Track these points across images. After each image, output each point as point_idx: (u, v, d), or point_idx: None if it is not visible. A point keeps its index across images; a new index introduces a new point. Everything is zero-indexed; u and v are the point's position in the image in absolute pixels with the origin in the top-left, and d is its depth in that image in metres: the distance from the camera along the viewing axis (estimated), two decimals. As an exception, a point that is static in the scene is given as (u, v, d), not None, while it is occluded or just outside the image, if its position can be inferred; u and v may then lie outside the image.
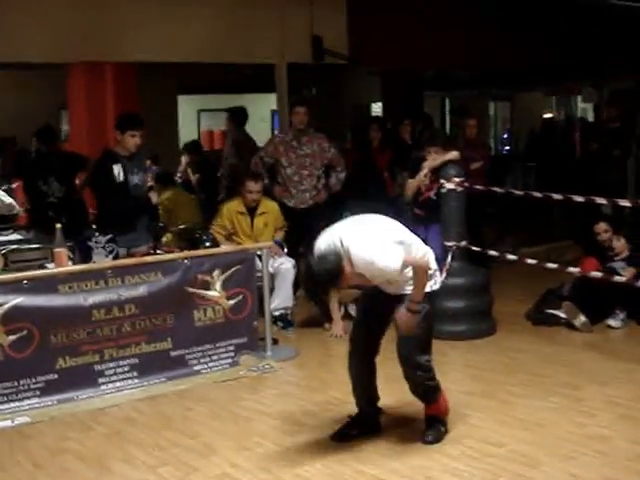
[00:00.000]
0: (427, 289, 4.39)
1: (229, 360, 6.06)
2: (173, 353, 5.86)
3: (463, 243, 6.86)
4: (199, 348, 5.95)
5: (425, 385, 4.59)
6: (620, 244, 7.19)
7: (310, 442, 4.67)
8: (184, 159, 9.39)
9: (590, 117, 18.68)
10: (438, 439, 4.61)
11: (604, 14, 10.43)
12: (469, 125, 8.70)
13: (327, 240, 4.21)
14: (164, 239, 7.33)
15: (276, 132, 11.35)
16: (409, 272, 4.35)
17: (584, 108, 20.15)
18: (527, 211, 11.86)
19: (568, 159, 14.35)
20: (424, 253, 4.46)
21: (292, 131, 7.92)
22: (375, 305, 4.60)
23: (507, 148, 16.89)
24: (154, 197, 6.82)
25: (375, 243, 4.20)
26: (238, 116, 9.49)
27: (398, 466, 4.31)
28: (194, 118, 14.33)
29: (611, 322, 6.93)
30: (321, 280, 4.10)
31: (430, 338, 4.59)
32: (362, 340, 4.66)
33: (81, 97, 8.26)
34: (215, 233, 7.03)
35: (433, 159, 7.07)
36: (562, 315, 6.94)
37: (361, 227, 4.36)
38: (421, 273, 4.33)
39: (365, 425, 4.74)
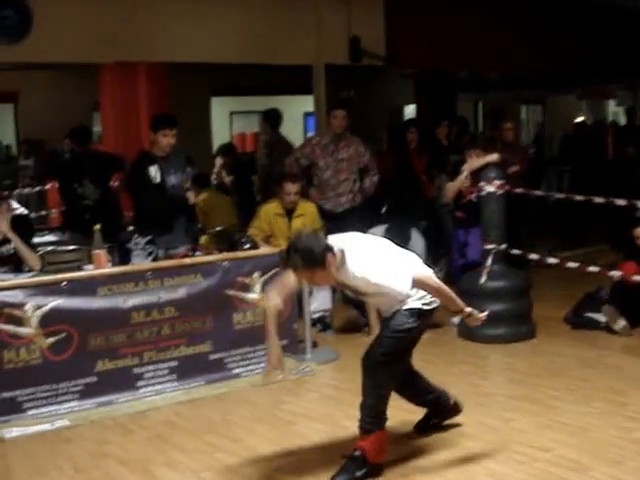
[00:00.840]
0: (418, 305, 4.22)
1: (268, 363, 6.03)
2: (212, 356, 5.84)
3: (503, 246, 6.80)
4: (238, 351, 5.93)
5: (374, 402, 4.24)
6: None
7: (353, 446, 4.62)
8: (218, 161, 9.38)
9: (622, 121, 18.53)
10: None
11: (637, 15, 10.34)
12: (506, 128, 8.64)
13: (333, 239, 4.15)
14: (200, 241, 7.30)
15: (309, 134, 11.33)
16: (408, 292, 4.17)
17: (615, 112, 20.02)
18: (561, 216, 11.78)
19: (600, 163, 14.23)
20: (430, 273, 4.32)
21: (329, 134, 7.89)
22: None
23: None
24: (192, 197, 6.80)
25: (380, 259, 4.14)
26: (272, 117, 9.50)
27: (444, 469, 4.26)
28: (226, 120, 14.32)
29: (652, 326, 6.85)
30: (300, 252, 3.97)
31: (401, 355, 4.33)
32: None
33: (113, 98, 8.29)
34: (253, 235, 7.01)
35: (473, 162, 7.02)
36: (601, 319, 6.85)
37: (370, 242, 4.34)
38: (437, 291, 4.23)
39: (441, 412, 4.78)
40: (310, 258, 3.98)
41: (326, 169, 7.79)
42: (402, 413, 4.77)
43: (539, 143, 16.82)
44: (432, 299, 4.29)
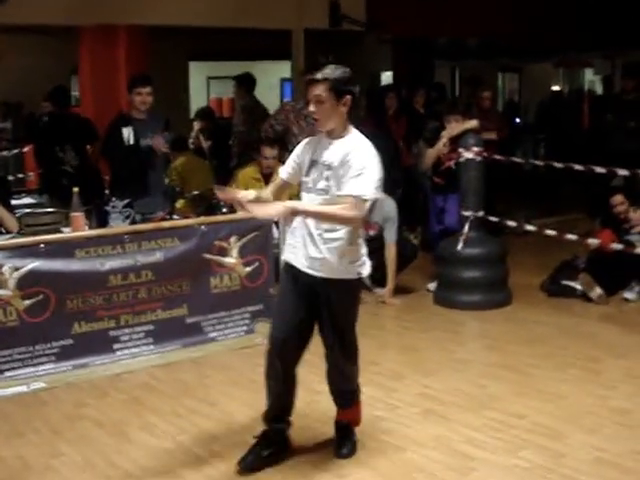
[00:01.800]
0: (355, 276, 3.94)
1: (245, 327, 6.03)
2: (189, 320, 5.82)
3: (481, 213, 6.81)
4: (215, 315, 5.91)
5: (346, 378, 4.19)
6: (636, 216, 7.14)
7: (327, 410, 4.63)
8: (196, 125, 9.28)
9: (598, 89, 18.57)
10: (354, 451, 4.15)
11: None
12: (484, 97, 8.64)
13: None
14: (178, 205, 7.24)
15: (286, 100, 11.23)
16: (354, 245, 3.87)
17: (592, 80, 20.03)
18: (538, 183, 11.81)
19: (577, 131, 14.27)
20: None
21: (303, 100, 7.80)
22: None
23: (517, 120, 16.75)
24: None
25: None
26: (247, 82, 9.37)
27: (420, 436, 4.29)
28: (204, 85, 14.19)
29: (627, 294, 6.91)
30: (336, 70, 3.75)
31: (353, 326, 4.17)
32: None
33: (93, 61, 8.17)
34: None
35: (452, 128, 6.99)
36: (578, 287, 6.91)
37: None
38: (340, 216, 3.71)
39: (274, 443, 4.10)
40: (340, 81, 3.76)
41: (300, 134, 7.70)
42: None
43: (511, 110, 16.81)
44: (365, 265, 4.02)
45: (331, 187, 3.78)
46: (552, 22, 10.47)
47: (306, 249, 3.85)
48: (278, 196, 4.06)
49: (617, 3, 10.76)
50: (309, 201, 3.84)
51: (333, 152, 3.83)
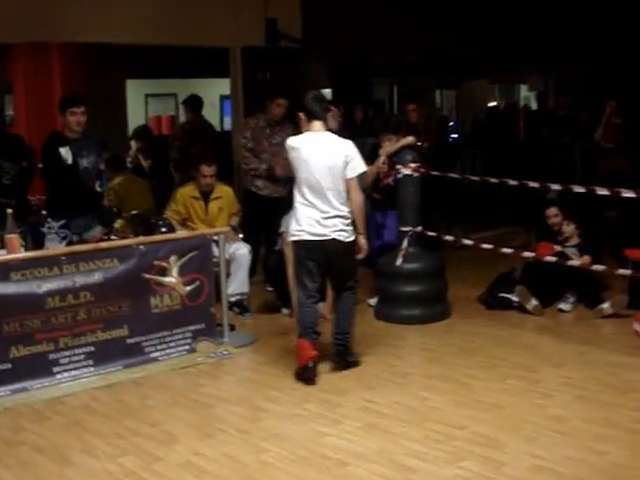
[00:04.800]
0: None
1: (186, 347, 6.01)
2: (129, 340, 5.78)
3: (419, 228, 6.91)
4: (156, 335, 5.89)
5: None
6: (569, 229, 7.29)
7: (272, 428, 4.65)
8: (134, 145, 9.23)
9: (533, 105, 18.95)
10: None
11: (549, 3, 10.58)
12: (409, 110, 8.70)
13: None
14: (116, 225, 7.18)
15: (226, 118, 11.23)
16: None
17: (527, 96, 20.45)
18: (475, 197, 12.00)
19: (512, 146, 14.54)
20: None
21: (264, 118, 7.78)
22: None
23: (454, 136, 16.99)
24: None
25: None
26: (194, 103, 9.38)
27: (362, 450, 4.32)
28: (142, 103, 14.13)
29: (562, 305, 7.06)
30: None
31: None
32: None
33: (26, 80, 8.07)
34: (169, 219, 6.96)
35: (388, 146, 7.07)
36: (514, 299, 7.02)
37: None
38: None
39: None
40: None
41: (261, 153, 7.73)
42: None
43: (444, 126, 17.04)
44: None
45: None
46: (488, 40, 10.67)
47: None
48: None
49: (550, 21, 11.02)
50: None
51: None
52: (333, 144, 5.49)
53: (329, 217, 5.41)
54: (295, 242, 5.53)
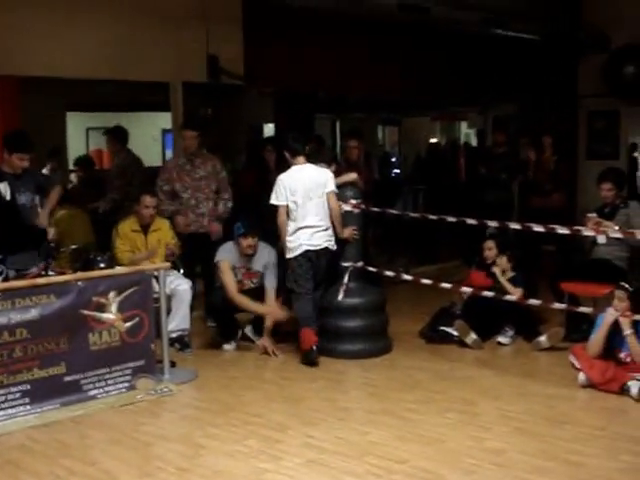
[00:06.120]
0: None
1: (126, 384, 5.93)
2: (67, 378, 5.67)
3: (360, 263, 6.96)
4: (95, 372, 5.79)
5: None
6: (502, 262, 7.41)
7: (212, 465, 4.61)
8: (75, 175, 9.11)
9: (473, 142, 19.29)
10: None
11: (487, 44, 10.83)
12: (349, 146, 8.70)
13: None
14: (55, 261, 7.07)
15: (168, 152, 11.18)
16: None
17: (467, 133, 20.81)
18: (415, 233, 12.12)
19: (453, 182, 14.78)
20: None
21: (184, 154, 7.83)
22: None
23: (396, 171, 17.21)
24: (44, 220, 6.60)
25: None
26: (119, 135, 9.05)
27: (303, 486, 4.31)
28: (83, 136, 14.03)
29: (500, 339, 7.16)
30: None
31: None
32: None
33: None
34: (121, 254, 6.94)
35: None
36: (454, 333, 7.10)
37: None
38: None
39: None
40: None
41: (184, 190, 7.72)
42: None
43: (385, 163, 17.28)
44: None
45: None
46: (428, 79, 10.85)
47: None
48: None
49: (488, 59, 11.28)
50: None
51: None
52: (315, 171, 6.88)
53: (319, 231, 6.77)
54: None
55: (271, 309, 6.95)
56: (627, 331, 5.78)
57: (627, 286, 5.89)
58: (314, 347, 6.50)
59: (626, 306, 5.83)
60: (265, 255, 7.06)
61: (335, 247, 6.87)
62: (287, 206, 6.76)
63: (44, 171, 9.03)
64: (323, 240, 6.78)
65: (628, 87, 11.68)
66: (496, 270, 7.31)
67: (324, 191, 6.78)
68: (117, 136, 9.00)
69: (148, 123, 13.95)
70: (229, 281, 6.90)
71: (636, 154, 14.50)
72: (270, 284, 7.03)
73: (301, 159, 6.85)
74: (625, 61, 11.55)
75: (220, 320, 7.12)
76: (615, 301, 5.90)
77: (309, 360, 6.49)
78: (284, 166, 7.17)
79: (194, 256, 7.66)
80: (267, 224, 7.19)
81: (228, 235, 7.41)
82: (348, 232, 6.87)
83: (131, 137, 9.26)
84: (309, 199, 6.74)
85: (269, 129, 12.91)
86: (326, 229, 6.82)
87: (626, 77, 11.58)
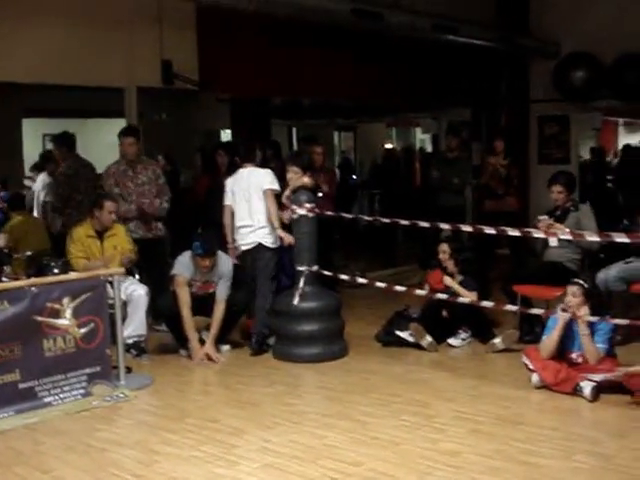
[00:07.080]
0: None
1: (81, 390, 5.88)
2: (22, 385, 5.62)
3: (315, 267, 6.99)
4: (49, 379, 5.74)
5: None
6: (450, 265, 7.48)
7: (168, 471, 4.60)
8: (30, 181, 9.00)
9: (429, 147, 19.49)
10: None
11: (440, 50, 10.95)
12: (315, 152, 8.76)
13: None
14: (8, 267, 7.00)
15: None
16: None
17: (422, 139, 21.01)
18: (371, 237, 12.22)
19: (408, 187, 14.91)
20: None
21: (124, 161, 7.80)
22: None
23: (353, 177, 17.33)
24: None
25: None
26: (67, 141, 8.77)
27: (259, 489, 4.33)
28: (39, 142, 13.90)
29: (451, 341, 7.24)
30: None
31: None
32: None
33: None
34: (76, 259, 6.87)
35: (294, 179, 7.14)
36: (409, 339, 7.15)
37: None
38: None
39: None
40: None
41: (128, 195, 7.69)
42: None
43: (345, 168, 17.41)
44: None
45: None
46: (383, 84, 10.92)
47: None
48: None
49: (441, 65, 11.40)
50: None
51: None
52: (254, 173, 7.24)
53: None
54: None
55: (201, 353, 6.86)
56: (584, 331, 5.79)
57: (582, 282, 5.93)
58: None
59: (580, 301, 5.85)
60: (220, 265, 7.02)
61: (274, 244, 7.16)
62: (231, 206, 7.21)
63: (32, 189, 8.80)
64: (258, 237, 7.12)
65: (577, 92, 11.91)
66: (446, 278, 7.37)
67: (263, 190, 7.10)
68: (64, 142, 8.81)
69: (106, 129, 13.82)
70: (182, 296, 6.86)
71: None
72: (221, 295, 6.97)
73: (249, 165, 7.25)
74: (574, 67, 11.77)
75: (171, 326, 7.09)
76: (568, 297, 5.90)
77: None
78: (235, 170, 7.28)
79: (148, 263, 7.61)
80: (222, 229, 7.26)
81: (182, 241, 7.41)
82: (287, 239, 7.03)
83: (89, 143, 9.20)
84: (245, 200, 7.14)
85: (227, 135, 12.91)
86: (262, 227, 7.13)
87: (575, 82, 11.79)
